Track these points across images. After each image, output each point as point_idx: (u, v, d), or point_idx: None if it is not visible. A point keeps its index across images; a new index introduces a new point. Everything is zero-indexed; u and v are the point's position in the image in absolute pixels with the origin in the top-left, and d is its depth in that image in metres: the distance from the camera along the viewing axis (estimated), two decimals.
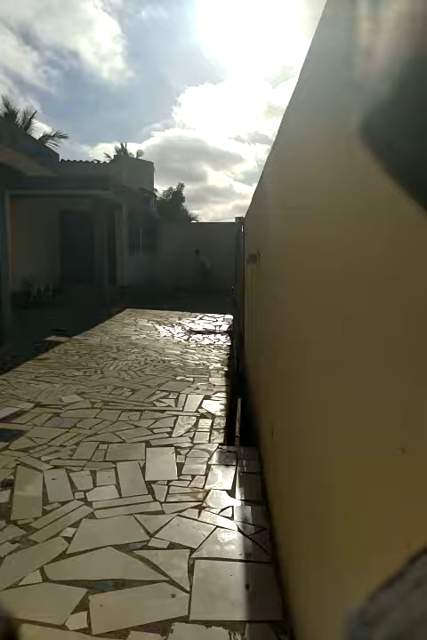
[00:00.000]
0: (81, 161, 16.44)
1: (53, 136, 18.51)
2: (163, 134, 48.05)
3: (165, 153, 47.47)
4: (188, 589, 2.07)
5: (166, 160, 48.87)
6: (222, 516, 2.68)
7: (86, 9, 39.13)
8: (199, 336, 8.93)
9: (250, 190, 49.84)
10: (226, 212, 55.30)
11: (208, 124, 56.08)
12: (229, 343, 8.21)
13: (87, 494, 2.91)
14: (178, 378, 5.73)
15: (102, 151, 34.29)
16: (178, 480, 3.11)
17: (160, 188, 27.59)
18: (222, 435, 3.94)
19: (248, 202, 6.00)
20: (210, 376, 5.86)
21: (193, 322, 10.80)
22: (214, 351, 7.56)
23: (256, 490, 2.98)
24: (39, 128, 20.18)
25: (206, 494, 2.93)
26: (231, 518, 2.66)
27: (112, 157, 22.32)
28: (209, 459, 3.44)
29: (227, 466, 3.33)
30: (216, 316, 11.66)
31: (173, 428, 4.04)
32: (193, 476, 3.17)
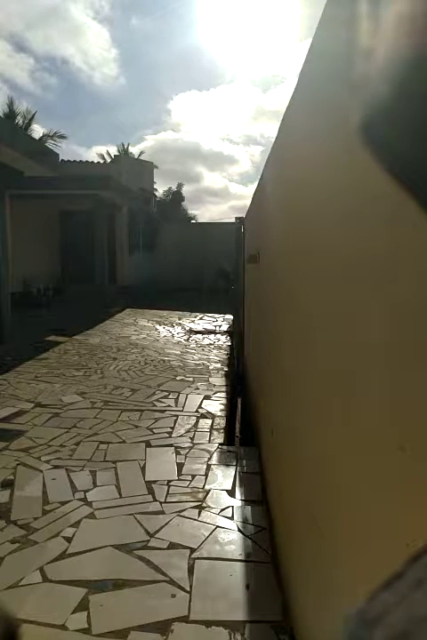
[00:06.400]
0: (81, 161, 16.42)
1: (53, 136, 18.48)
2: (156, 137, 48.15)
3: (159, 155, 47.63)
4: (188, 589, 2.07)
5: (161, 162, 48.92)
6: (222, 516, 2.68)
7: (77, 18, 39.54)
8: (199, 336, 8.93)
9: (246, 191, 49.92)
10: (222, 213, 55.49)
11: (201, 128, 56.29)
12: (229, 343, 8.21)
13: (87, 494, 2.91)
14: (178, 378, 5.73)
15: (97, 153, 34.30)
16: (178, 480, 3.11)
17: (159, 188, 27.56)
18: (222, 435, 3.94)
19: (244, 202, 6.03)
20: (210, 376, 5.86)
21: (193, 322, 10.80)
22: (214, 351, 7.56)
23: (256, 490, 2.98)
24: (36, 130, 20.16)
25: (206, 494, 2.93)
26: (231, 518, 2.66)
27: (112, 157, 22.30)
28: (209, 459, 3.44)
29: (227, 466, 3.33)
30: (216, 316, 11.66)
31: (173, 428, 4.04)
32: (193, 476, 3.16)
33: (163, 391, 5.15)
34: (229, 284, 15.19)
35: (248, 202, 5.77)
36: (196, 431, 3.99)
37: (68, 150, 56.06)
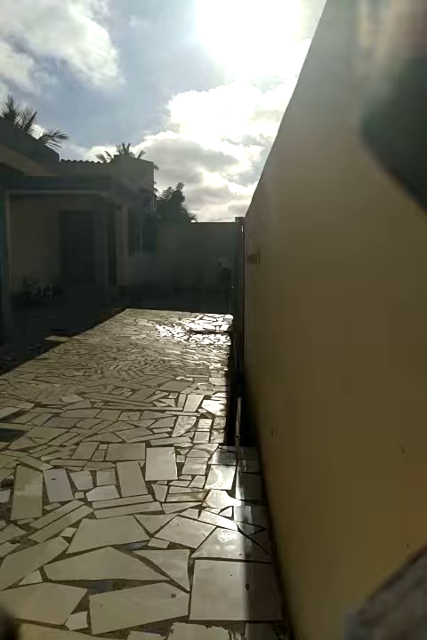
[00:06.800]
0: (81, 161, 16.45)
1: (53, 136, 18.49)
2: (155, 137, 48.42)
3: (159, 155, 48.05)
4: (188, 589, 2.07)
5: (161, 162, 49.18)
6: (222, 516, 2.68)
7: (77, 18, 39.78)
8: (199, 336, 8.93)
9: (246, 191, 50.07)
10: (222, 213, 55.80)
11: (201, 128, 56.66)
12: (229, 343, 8.21)
13: (87, 494, 2.91)
14: (178, 378, 5.73)
15: (96, 154, 34.28)
16: (178, 480, 3.11)
17: (159, 188, 27.55)
18: (222, 435, 3.94)
19: (244, 202, 6.05)
20: (210, 376, 5.86)
21: (193, 322, 10.80)
22: (214, 351, 7.55)
23: (256, 490, 2.98)
24: (36, 130, 20.13)
25: (206, 494, 2.93)
26: (231, 518, 2.66)
27: (112, 157, 22.31)
28: (209, 459, 3.44)
29: (227, 466, 3.33)
30: (216, 316, 11.66)
31: (173, 428, 4.04)
32: (193, 476, 3.16)
33: (163, 391, 5.15)
34: (228, 284, 15.22)
35: (248, 202, 5.77)
36: (196, 431, 3.98)
37: (68, 150, 56.47)
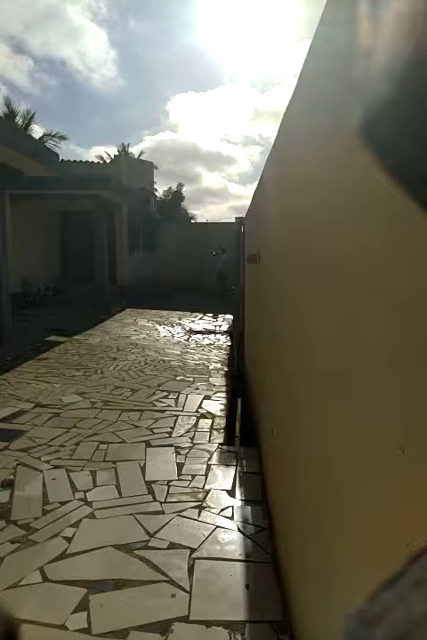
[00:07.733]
0: (81, 161, 16.46)
1: (53, 136, 18.49)
2: (155, 137, 48.52)
3: (158, 155, 48.33)
4: (188, 589, 2.07)
5: (160, 162, 49.28)
6: (222, 516, 2.68)
7: (75, 20, 39.95)
8: (199, 336, 8.93)
9: (245, 191, 50.20)
10: (222, 213, 55.96)
11: (200, 128, 56.96)
12: (229, 343, 8.21)
13: (87, 494, 2.91)
14: (178, 378, 5.73)
15: (96, 154, 34.15)
16: (178, 480, 3.11)
17: (159, 188, 27.53)
18: (222, 435, 3.94)
19: (244, 202, 6.07)
20: (210, 376, 5.86)
21: (193, 322, 10.79)
22: (214, 351, 7.55)
23: (256, 490, 2.98)
24: (36, 131, 20.14)
25: (206, 494, 2.93)
26: (231, 518, 2.66)
27: (112, 157, 22.31)
28: (209, 459, 3.44)
29: (227, 466, 3.33)
30: (216, 316, 11.66)
31: (173, 428, 4.04)
32: (193, 476, 3.16)
33: (163, 391, 5.15)
34: (228, 283, 15.14)
35: (247, 202, 5.78)
36: (196, 431, 3.98)
37: (68, 151, 56.84)
